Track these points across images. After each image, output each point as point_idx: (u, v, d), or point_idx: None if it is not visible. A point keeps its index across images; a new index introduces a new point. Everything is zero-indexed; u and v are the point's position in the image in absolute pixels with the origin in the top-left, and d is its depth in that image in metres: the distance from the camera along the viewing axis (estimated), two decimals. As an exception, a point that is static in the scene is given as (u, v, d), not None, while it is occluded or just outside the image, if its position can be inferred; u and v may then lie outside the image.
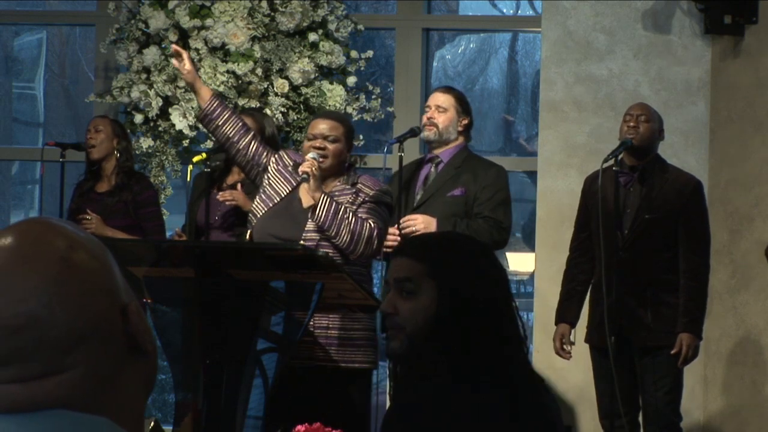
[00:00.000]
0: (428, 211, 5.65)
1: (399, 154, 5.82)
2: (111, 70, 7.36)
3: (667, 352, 5.55)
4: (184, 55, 5.19)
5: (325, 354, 4.96)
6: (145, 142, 6.80)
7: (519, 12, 9.50)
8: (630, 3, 6.81)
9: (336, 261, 4.70)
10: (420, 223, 5.59)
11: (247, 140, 5.16)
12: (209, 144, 6.51)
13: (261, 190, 5.14)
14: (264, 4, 6.74)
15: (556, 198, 6.75)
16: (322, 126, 5.08)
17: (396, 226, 5.59)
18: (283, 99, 6.71)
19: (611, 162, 5.56)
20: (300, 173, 4.92)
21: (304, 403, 4.88)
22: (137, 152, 6.72)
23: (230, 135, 5.15)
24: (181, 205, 6.38)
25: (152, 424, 4.90)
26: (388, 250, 5.58)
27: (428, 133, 5.74)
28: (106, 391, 1.25)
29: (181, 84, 6.71)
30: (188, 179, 6.06)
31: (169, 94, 6.74)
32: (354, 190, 5.06)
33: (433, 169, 5.78)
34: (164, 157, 6.83)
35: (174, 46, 5.36)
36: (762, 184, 6.51)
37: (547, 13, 6.91)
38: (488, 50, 9.84)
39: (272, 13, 6.76)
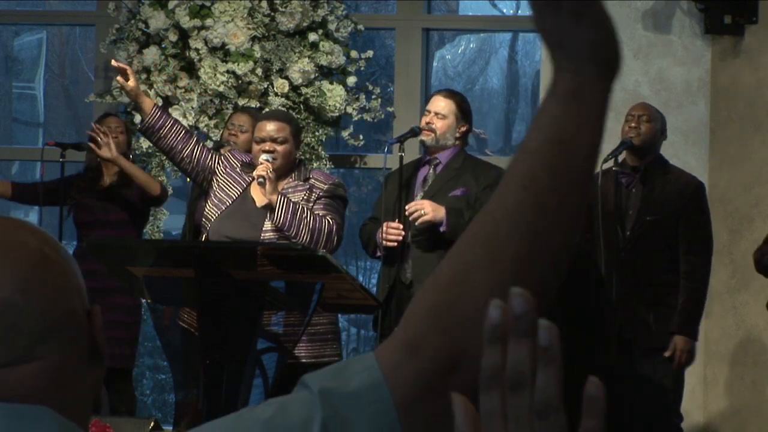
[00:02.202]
0: None
1: (399, 154, 5.80)
2: (111, 70, 7.32)
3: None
4: (129, 71, 5.18)
5: (298, 350, 4.96)
6: (145, 142, 6.79)
7: (519, 12, 9.50)
8: (630, 3, 6.81)
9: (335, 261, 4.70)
10: (428, 206, 5.51)
11: (190, 147, 5.17)
12: (209, 144, 6.50)
13: (211, 194, 5.14)
14: (264, 4, 6.74)
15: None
16: (269, 128, 5.09)
17: (397, 220, 5.57)
18: (283, 99, 6.70)
19: (611, 162, 5.56)
20: (256, 177, 4.96)
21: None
22: (137, 152, 6.72)
23: (173, 145, 5.15)
24: (181, 205, 6.37)
25: (152, 424, 4.90)
26: (391, 244, 5.56)
27: (425, 138, 5.72)
28: (68, 389, 1.25)
29: (181, 84, 6.71)
30: (188, 179, 6.05)
31: (169, 94, 6.74)
32: (307, 186, 5.10)
33: (431, 171, 5.76)
34: (164, 157, 6.82)
35: (116, 63, 5.34)
36: (762, 184, 6.51)
37: (547, 13, 6.90)
38: (488, 50, 9.84)
39: (272, 13, 6.76)
